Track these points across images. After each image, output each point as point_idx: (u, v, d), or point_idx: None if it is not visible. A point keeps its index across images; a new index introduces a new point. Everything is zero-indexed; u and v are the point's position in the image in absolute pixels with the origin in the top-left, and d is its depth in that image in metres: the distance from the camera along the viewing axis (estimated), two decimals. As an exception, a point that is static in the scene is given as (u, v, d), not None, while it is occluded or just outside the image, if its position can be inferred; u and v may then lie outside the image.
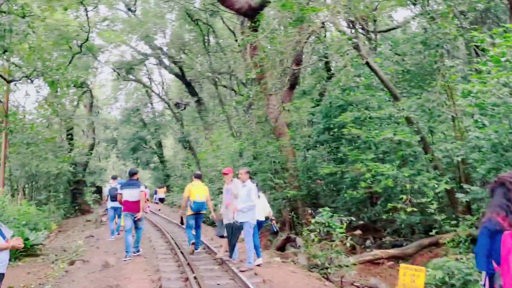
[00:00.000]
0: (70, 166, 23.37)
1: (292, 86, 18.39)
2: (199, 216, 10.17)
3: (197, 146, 33.86)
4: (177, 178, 38.36)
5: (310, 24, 12.86)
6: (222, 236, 8.85)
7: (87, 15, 22.57)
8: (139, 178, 10.42)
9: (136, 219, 9.67)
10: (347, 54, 12.98)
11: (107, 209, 15.05)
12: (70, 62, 22.62)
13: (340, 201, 16.65)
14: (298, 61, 17.79)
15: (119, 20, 30.76)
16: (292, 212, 16.13)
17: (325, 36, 12.81)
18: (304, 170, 17.28)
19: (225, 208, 8.86)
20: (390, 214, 12.60)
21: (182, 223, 10.89)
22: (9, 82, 15.10)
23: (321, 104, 19.63)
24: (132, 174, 10.14)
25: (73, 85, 26.06)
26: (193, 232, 10.36)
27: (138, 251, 9.92)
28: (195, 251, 10.06)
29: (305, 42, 13.74)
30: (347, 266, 9.10)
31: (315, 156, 19.52)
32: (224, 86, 29.57)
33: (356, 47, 12.78)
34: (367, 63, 12.99)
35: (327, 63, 21.87)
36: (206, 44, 24.61)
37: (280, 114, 15.53)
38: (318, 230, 9.61)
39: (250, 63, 14.15)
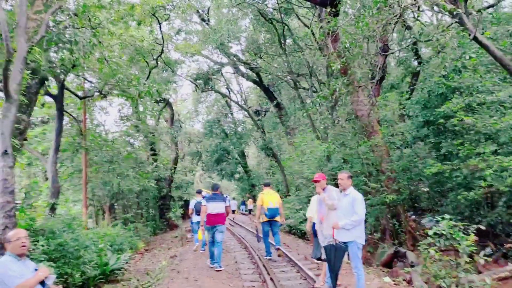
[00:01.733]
0: (154, 182, 23.10)
1: (381, 79, 16.47)
2: (274, 223, 10.57)
3: (280, 153, 32.68)
4: (262, 187, 37.35)
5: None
6: (319, 259, 7.22)
7: (160, 28, 22.30)
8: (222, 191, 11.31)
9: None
10: (449, 30, 10.90)
11: (191, 223, 14.57)
12: (148, 77, 22.52)
13: (450, 204, 14.31)
14: (384, 50, 15.88)
15: (193, 31, 30.63)
16: (394, 219, 14.19)
17: (418, 9, 10.82)
18: (402, 171, 15.16)
19: (319, 224, 7.16)
20: (522, 217, 10.29)
21: (258, 240, 11.38)
22: (81, 98, 14.78)
23: (415, 95, 17.49)
24: (215, 189, 10.49)
25: (154, 100, 26.15)
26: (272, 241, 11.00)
27: (220, 266, 10.00)
28: (278, 251, 10.72)
29: (396, 23, 11.83)
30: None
31: (411, 155, 17.32)
32: (304, 88, 28.07)
33: (461, 21, 10.70)
34: (475, 39, 10.82)
35: (416, 51, 19.65)
36: (283, 44, 23.23)
37: (371, 110, 13.70)
38: (437, 244, 7.73)
39: (333, 53, 12.50)
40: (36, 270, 4.51)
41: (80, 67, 12.72)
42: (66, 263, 9.05)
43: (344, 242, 6.21)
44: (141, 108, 24.52)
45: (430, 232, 7.74)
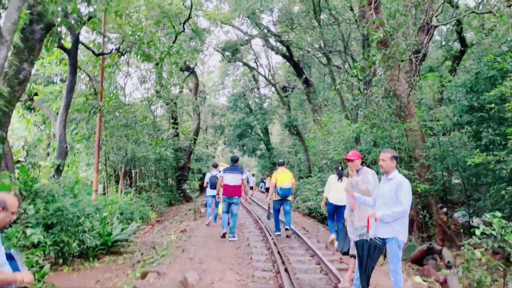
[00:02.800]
0: (172, 151, 22.25)
1: (421, 58, 15.06)
2: (285, 202, 10.71)
3: (304, 132, 31.51)
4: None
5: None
6: (345, 253, 6.10)
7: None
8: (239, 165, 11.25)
9: (246, 200, 11.38)
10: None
11: (206, 196, 14.13)
12: (173, 42, 21.52)
13: (488, 199, 12.99)
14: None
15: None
16: (425, 211, 13.01)
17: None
18: (437, 159, 13.87)
19: (350, 212, 6.01)
20: None
21: (268, 217, 12.27)
22: (97, 55, 13.85)
23: (458, 78, 16.01)
24: (234, 161, 10.89)
25: (178, 68, 25.20)
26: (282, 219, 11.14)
27: (233, 236, 10.54)
28: (287, 231, 10.91)
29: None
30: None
31: (447, 143, 15.95)
32: (336, 66, 26.58)
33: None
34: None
35: (460, 34, 18.07)
36: (318, 15, 21.72)
37: (411, 90, 12.41)
38: (485, 245, 6.60)
39: (374, 22, 11.18)
40: (8, 254, 3.27)
41: (98, 21, 11.75)
42: (63, 230, 8.23)
43: (382, 239, 4.95)
44: (165, 75, 23.60)
45: (478, 232, 6.59)
